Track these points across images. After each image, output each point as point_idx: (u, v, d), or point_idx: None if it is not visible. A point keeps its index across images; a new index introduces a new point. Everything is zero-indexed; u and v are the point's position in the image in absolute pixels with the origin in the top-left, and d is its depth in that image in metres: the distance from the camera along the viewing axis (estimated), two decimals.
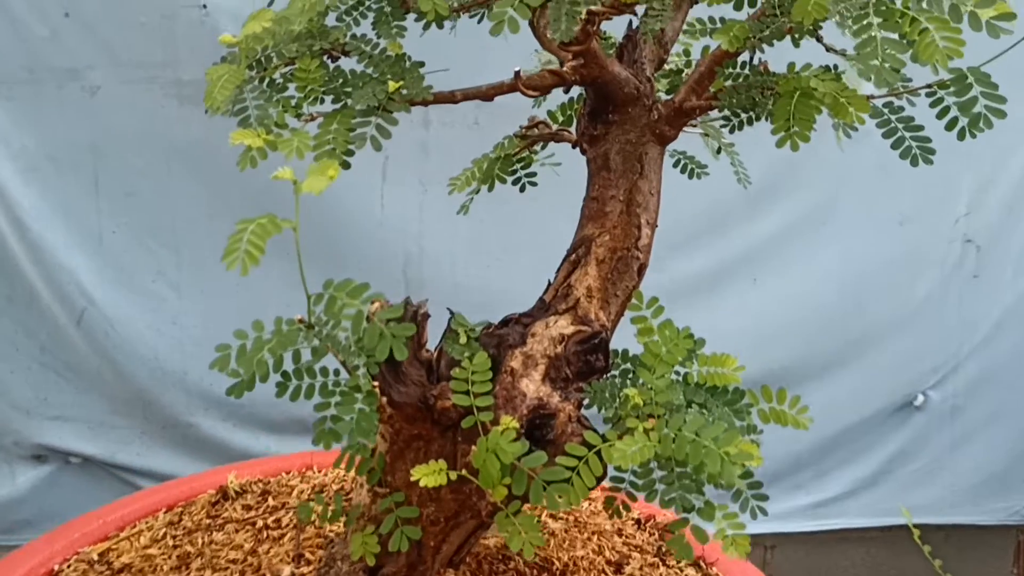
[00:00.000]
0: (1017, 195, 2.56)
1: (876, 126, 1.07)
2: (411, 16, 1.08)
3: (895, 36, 0.91)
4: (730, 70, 1.14)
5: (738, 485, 0.99)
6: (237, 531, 1.33)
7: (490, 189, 1.33)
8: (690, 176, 1.34)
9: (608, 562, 1.31)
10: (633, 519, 1.45)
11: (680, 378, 1.11)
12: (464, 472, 1.03)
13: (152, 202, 2.30)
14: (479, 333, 1.11)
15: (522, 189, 1.33)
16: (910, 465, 2.71)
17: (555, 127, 1.29)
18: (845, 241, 2.54)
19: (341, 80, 1.05)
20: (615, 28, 1.22)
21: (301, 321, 0.97)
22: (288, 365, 0.96)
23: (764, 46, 1.04)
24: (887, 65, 0.90)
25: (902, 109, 1.08)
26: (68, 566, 1.30)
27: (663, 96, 1.24)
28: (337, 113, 1.02)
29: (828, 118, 1.05)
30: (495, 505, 1.04)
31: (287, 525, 1.34)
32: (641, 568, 1.31)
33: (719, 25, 1.16)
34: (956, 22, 0.92)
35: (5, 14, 2.14)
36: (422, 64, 1.07)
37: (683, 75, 1.27)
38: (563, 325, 1.11)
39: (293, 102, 1.04)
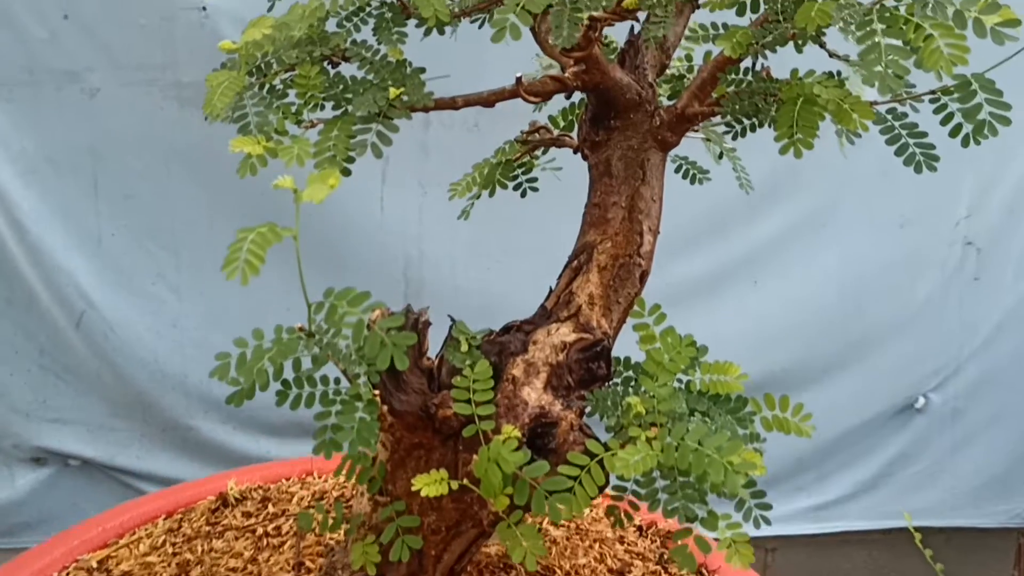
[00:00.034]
0: (1018, 197, 2.56)
1: (880, 132, 1.07)
2: (411, 21, 1.08)
3: (899, 43, 0.91)
4: (732, 76, 1.13)
5: (741, 494, 0.99)
6: (237, 539, 1.32)
7: (491, 195, 1.32)
8: (692, 182, 1.33)
9: (610, 570, 1.31)
10: (635, 526, 1.44)
11: (682, 386, 1.11)
12: (465, 481, 1.03)
13: (151, 204, 2.29)
14: (480, 341, 1.10)
15: (523, 195, 1.33)
16: (911, 468, 2.71)
17: (556, 132, 1.29)
18: (846, 243, 2.53)
19: (342, 86, 1.05)
20: (617, 33, 1.21)
21: (301, 329, 0.96)
22: (288, 373, 0.96)
23: (767, 52, 1.04)
24: (891, 71, 0.89)
25: (906, 115, 1.07)
26: (67, 574, 1.30)
27: (665, 102, 1.23)
28: (338, 120, 1.01)
29: (830, 122, 1.04)
30: (497, 514, 1.03)
31: (287, 533, 1.33)
32: None
33: (721, 31, 1.16)
34: (961, 28, 0.91)
35: (4, 16, 2.13)
36: (423, 70, 1.06)
37: (685, 81, 1.26)
38: (565, 332, 1.11)
39: (293, 109, 1.03)
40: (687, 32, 1.20)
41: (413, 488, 1.00)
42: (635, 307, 1.15)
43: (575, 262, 1.16)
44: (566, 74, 1.11)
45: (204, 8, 2.17)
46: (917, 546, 1.82)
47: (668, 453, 0.98)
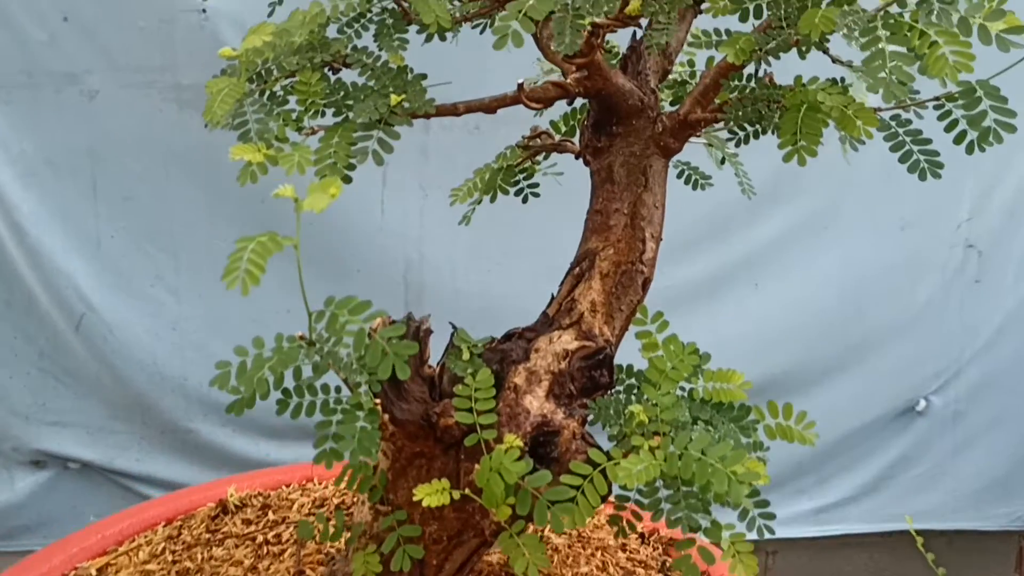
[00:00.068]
0: (1019, 200, 2.56)
1: (884, 139, 1.06)
2: (412, 27, 1.07)
3: (903, 49, 0.90)
4: (735, 82, 1.12)
5: (744, 504, 0.98)
6: (237, 546, 1.31)
7: (492, 200, 1.32)
8: (694, 187, 1.32)
9: None
10: (637, 534, 1.43)
11: (685, 394, 1.10)
12: (467, 491, 1.02)
13: (150, 206, 2.29)
14: (482, 349, 1.10)
15: (524, 200, 1.32)
16: (912, 470, 2.70)
17: (558, 138, 1.28)
18: (846, 246, 2.53)
19: (342, 93, 1.04)
20: (618, 38, 1.21)
21: (302, 338, 0.95)
22: (289, 382, 0.95)
23: (770, 58, 1.03)
24: (895, 78, 0.89)
25: (909, 122, 1.07)
26: None
27: (667, 107, 1.23)
28: (338, 127, 1.01)
29: (832, 127, 1.04)
30: (499, 524, 1.03)
31: (287, 540, 1.32)
32: None
33: (724, 37, 1.15)
34: (966, 35, 0.90)
35: (3, 18, 2.13)
36: (424, 76, 1.05)
37: (687, 86, 1.26)
38: (567, 340, 1.10)
39: (294, 115, 1.03)
40: (690, 38, 1.19)
41: (415, 498, 1.00)
42: (637, 314, 1.14)
43: (577, 269, 1.15)
44: (568, 80, 1.10)
45: (204, 10, 2.16)
46: (918, 549, 1.82)
47: (671, 462, 0.97)
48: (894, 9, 0.93)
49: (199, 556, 1.30)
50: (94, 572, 1.29)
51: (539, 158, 1.32)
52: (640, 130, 1.15)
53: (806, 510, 2.68)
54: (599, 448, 1.04)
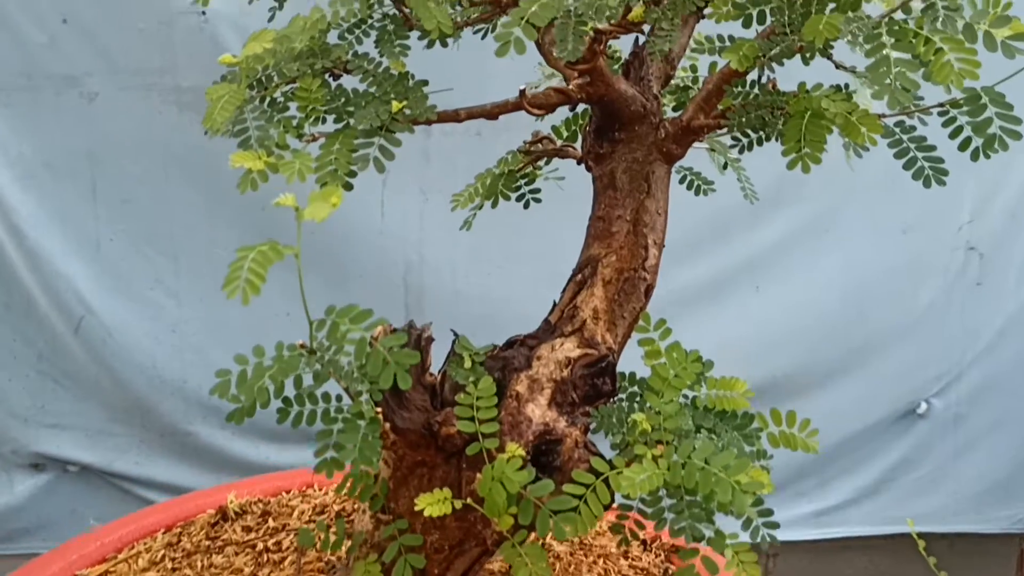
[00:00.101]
0: (1020, 203, 2.55)
1: (888, 146, 1.06)
2: (413, 33, 1.07)
3: (908, 56, 0.89)
4: (738, 88, 1.12)
5: (748, 513, 0.97)
6: (237, 554, 1.31)
7: (494, 206, 1.31)
8: (697, 193, 1.32)
9: None
10: (639, 541, 1.43)
11: (688, 402, 1.09)
12: (469, 500, 1.01)
13: (150, 209, 2.28)
14: (484, 356, 1.09)
15: (526, 205, 1.32)
16: (913, 473, 2.70)
17: (560, 143, 1.28)
18: (848, 249, 2.52)
19: (343, 99, 1.04)
20: (621, 43, 1.20)
21: (303, 346, 0.95)
22: (290, 391, 0.94)
23: (773, 64, 1.03)
24: (900, 85, 0.88)
25: (914, 128, 1.06)
26: None
27: (670, 113, 1.22)
28: (339, 133, 1.00)
29: (835, 132, 1.03)
30: (501, 534, 1.02)
31: (288, 548, 1.32)
32: None
33: (727, 43, 1.14)
34: (971, 42, 0.90)
35: (2, 20, 2.12)
36: (425, 83, 1.05)
37: (690, 92, 1.25)
38: (569, 348, 1.09)
39: (295, 122, 1.02)
40: (693, 44, 1.18)
41: (416, 508, 0.99)
42: (640, 322, 1.14)
43: (579, 276, 1.14)
44: (570, 86, 1.09)
45: (203, 12, 2.15)
46: (919, 552, 1.81)
47: (674, 471, 0.97)
48: (899, 15, 0.93)
49: (199, 563, 1.29)
50: None
51: (541, 163, 1.31)
52: (642, 136, 1.14)
53: (807, 513, 2.68)
54: (602, 457, 1.04)
